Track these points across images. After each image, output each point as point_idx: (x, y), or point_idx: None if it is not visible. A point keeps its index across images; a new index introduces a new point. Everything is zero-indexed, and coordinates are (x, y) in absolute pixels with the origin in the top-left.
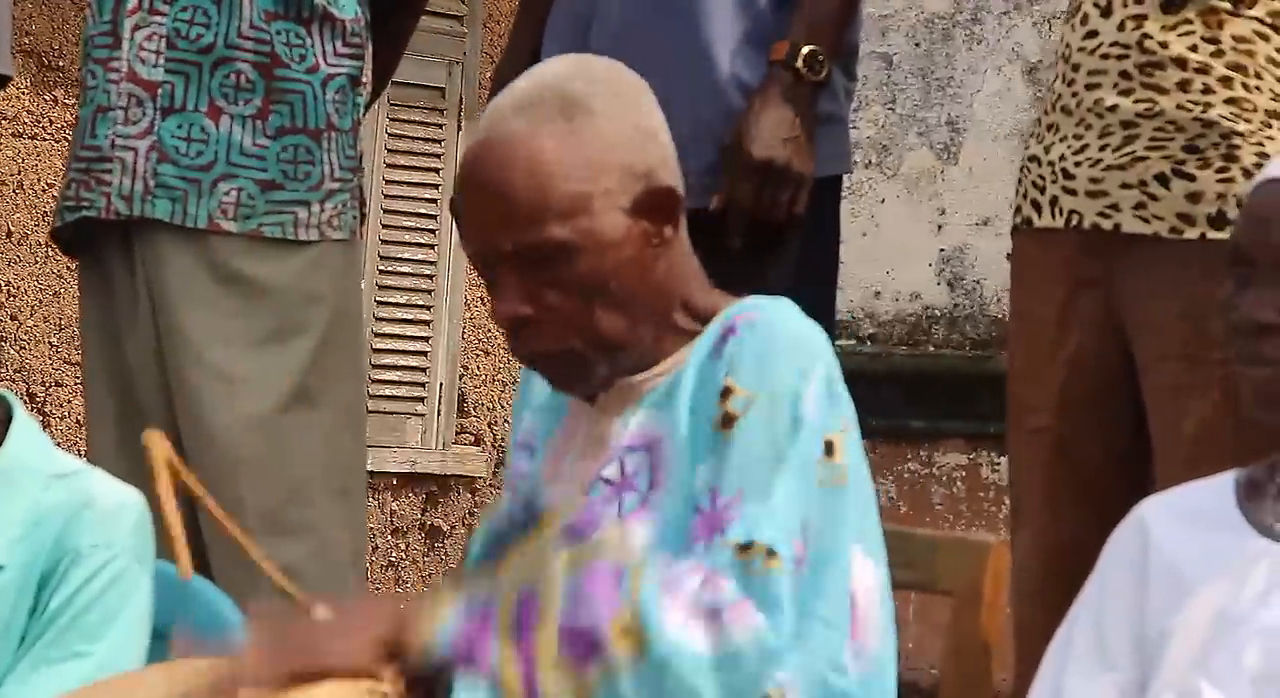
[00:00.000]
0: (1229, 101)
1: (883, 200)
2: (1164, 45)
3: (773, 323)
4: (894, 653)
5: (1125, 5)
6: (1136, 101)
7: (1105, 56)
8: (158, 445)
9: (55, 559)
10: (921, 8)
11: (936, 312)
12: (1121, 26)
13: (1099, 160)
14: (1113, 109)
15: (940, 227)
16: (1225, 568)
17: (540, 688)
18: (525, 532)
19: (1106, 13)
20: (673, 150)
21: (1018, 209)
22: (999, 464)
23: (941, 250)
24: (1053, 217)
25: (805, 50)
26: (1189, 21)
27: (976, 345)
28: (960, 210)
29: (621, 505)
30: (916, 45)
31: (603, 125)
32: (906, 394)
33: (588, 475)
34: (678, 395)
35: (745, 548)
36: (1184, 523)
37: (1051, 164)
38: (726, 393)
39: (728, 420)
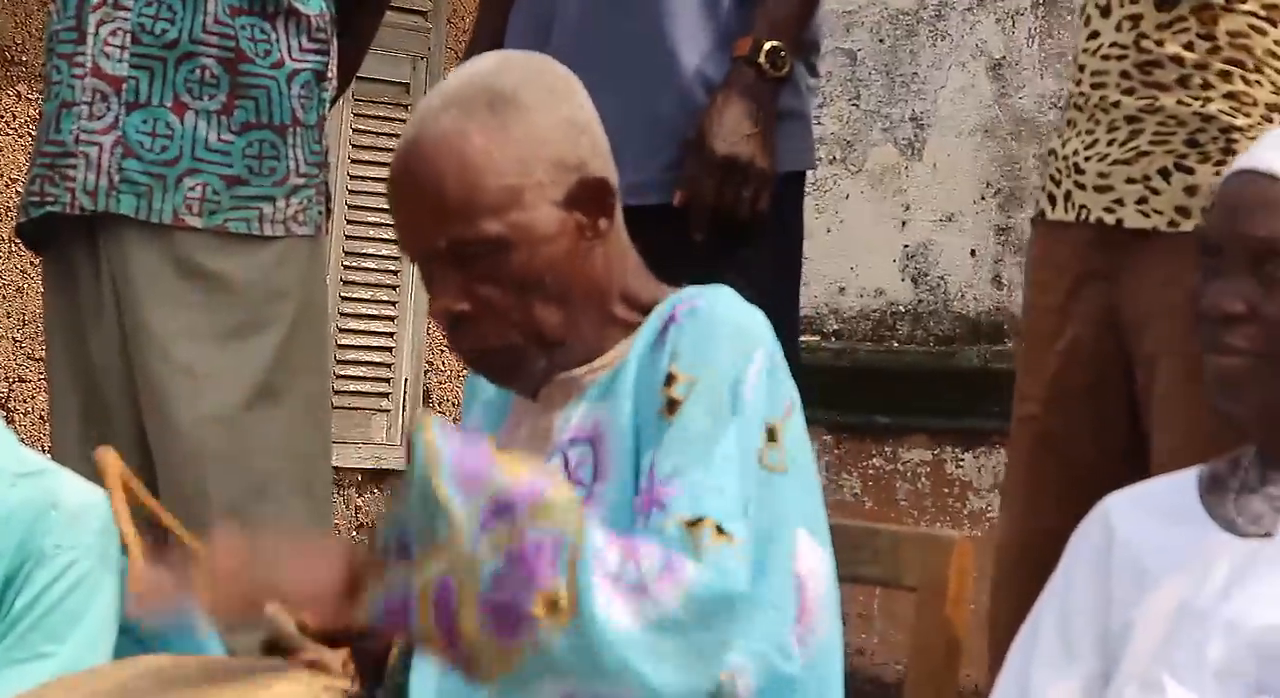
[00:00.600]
0: (1228, 96)
1: (847, 196)
2: (1160, 44)
3: (714, 309)
4: (840, 639)
5: (1122, 5)
6: (1139, 99)
7: (1106, 57)
8: (111, 463)
9: (20, 560)
10: (886, 4)
11: (900, 308)
12: (1119, 27)
13: (1106, 155)
14: (1116, 105)
15: (904, 223)
16: (1187, 562)
17: (471, 656)
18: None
19: (1105, 13)
20: (605, 143)
21: (1037, 202)
22: (963, 460)
23: (905, 246)
24: (1065, 210)
25: (767, 46)
26: (1183, 19)
27: (940, 342)
28: (924, 206)
29: None
30: (881, 41)
31: (532, 119)
32: (870, 390)
33: None
34: (619, 387)
35: (694, 523)
36: (1147, 517)
37: (1066, 158)
38: (670, 380)
39: (672, 406)
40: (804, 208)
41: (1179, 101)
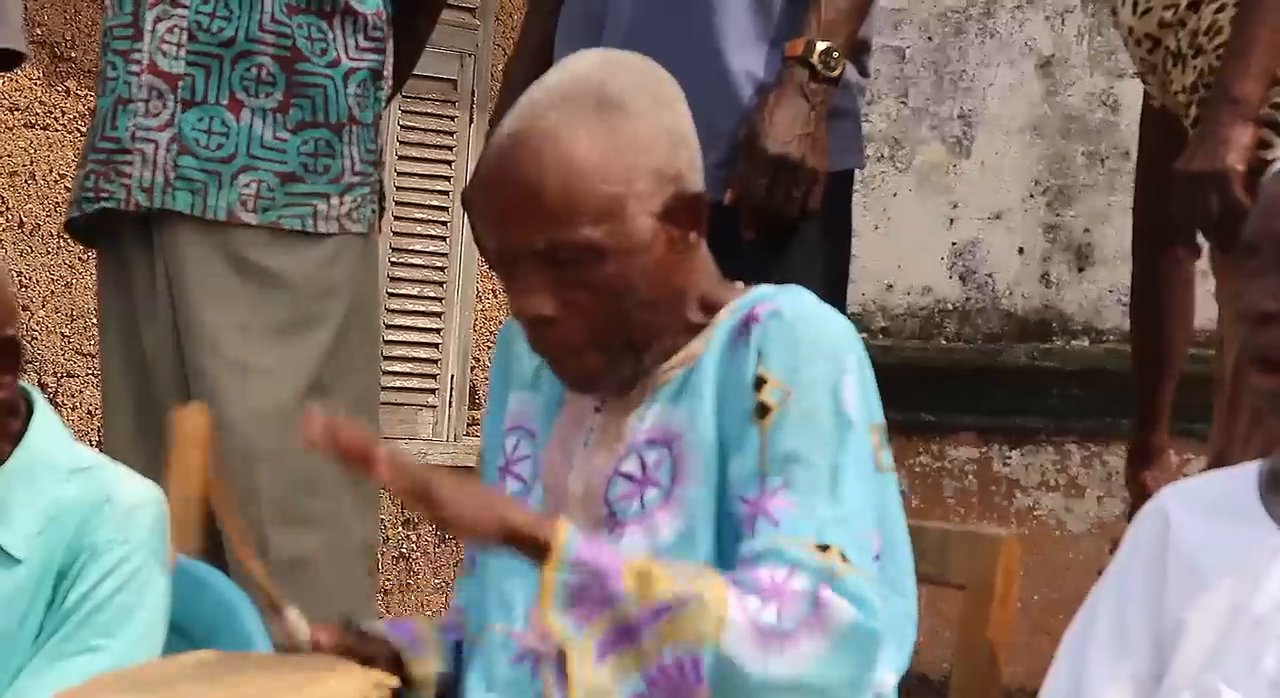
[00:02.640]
0: None
1: (895, 194)
2: None
3: (798, 311)
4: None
5: None
6: None
7: None
8: (195, 422)
9: (73, 554)
10: (935, 2)
11: (948, 305)
12: None
13: None
14: None
15: (952, 220)
16: (1243, 563)
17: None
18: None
19: None
20: (699, 155)
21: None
22: (1010, 458)
23: (953, 244)
24: None
25: (820, 47)
26: None
27: (988, 339)
28: (972, 204)
29: (644, 500)
30: (929, 39)
31: (637, 126)
32: (918, 388)
33: (603, 469)
34: (696, 388)
35: (824, 549)
36: (1205, 514)
37: None
38: (760, 383)
39: (763, 410)
40: (852, 206)
41: None
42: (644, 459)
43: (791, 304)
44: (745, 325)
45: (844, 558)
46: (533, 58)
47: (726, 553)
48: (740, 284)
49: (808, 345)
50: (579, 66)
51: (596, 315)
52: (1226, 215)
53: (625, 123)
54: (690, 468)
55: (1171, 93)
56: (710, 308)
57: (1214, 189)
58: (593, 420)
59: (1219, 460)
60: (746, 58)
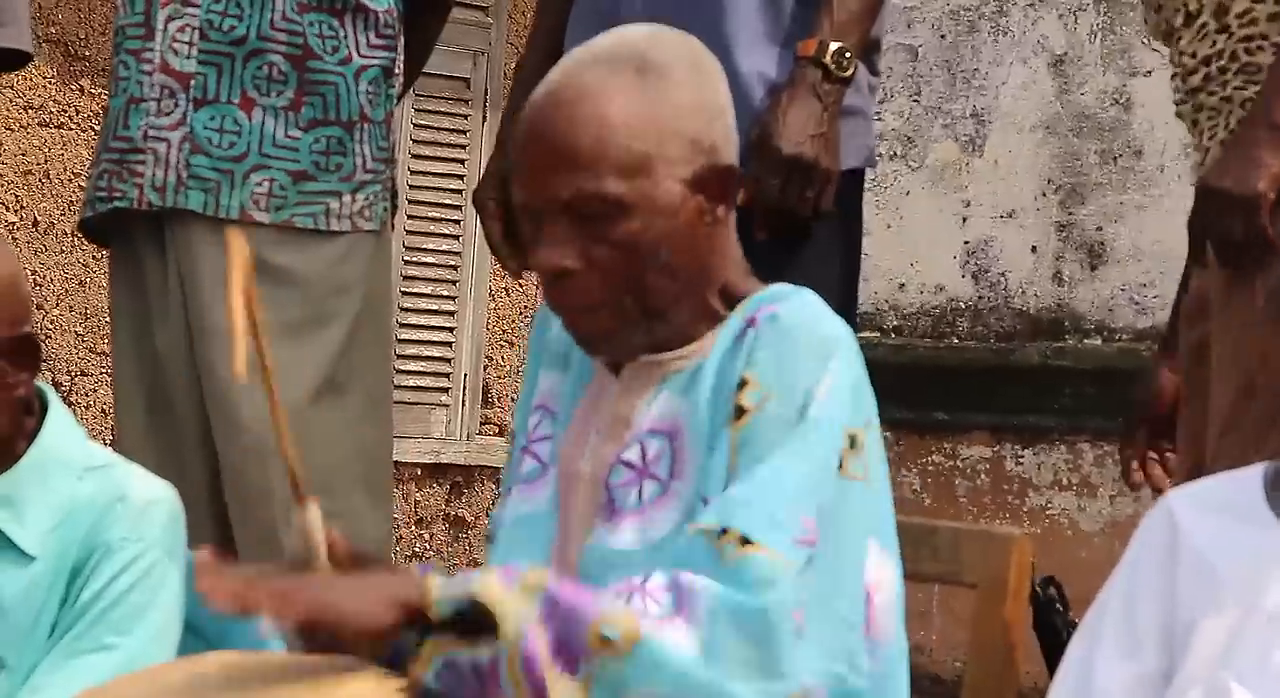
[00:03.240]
0: None
1: (907, 192)
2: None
3: (794, 316)
4: (905, 650)
5: None
6: None
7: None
8: (239, 245)
9: (87, 552)
10: (947, 0)
11: (961, 304)
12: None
13: None
14: None
15: (965, 219)
16: (1253, 563)
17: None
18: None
19: None
20: (736, 134)
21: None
22: (1023, 457)
23: (966, 243)
24: None
25: (833, 47)
26: None
27: (1001, 338)
28: (985, 203)
29: (642, 492)
30: (942, 37)
31: (675, 92)
32: (930, 386)
33: (608, 455)
34: (699, 384)
35: (721, 534)
36: (1212, 515)
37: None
38: (742, 385)
39: (739, 412)
40: (863, 204)
41: None
42: (645, 448)
43: (790, 308)
44: (745, 328)
45: (744, 541)
46: (544, 54)
47: None
48: (758, 282)
49: (794, 349)
50: (626, 33)
51: (615, 273)
52: (1249, 241)
53: (663, 87)
54: (687, 464)
55: (1178, 51)
56: (731, 300)
57: (1240, 212)
58: (606, 405)
59: (1195, 473)
60: (757, 58)
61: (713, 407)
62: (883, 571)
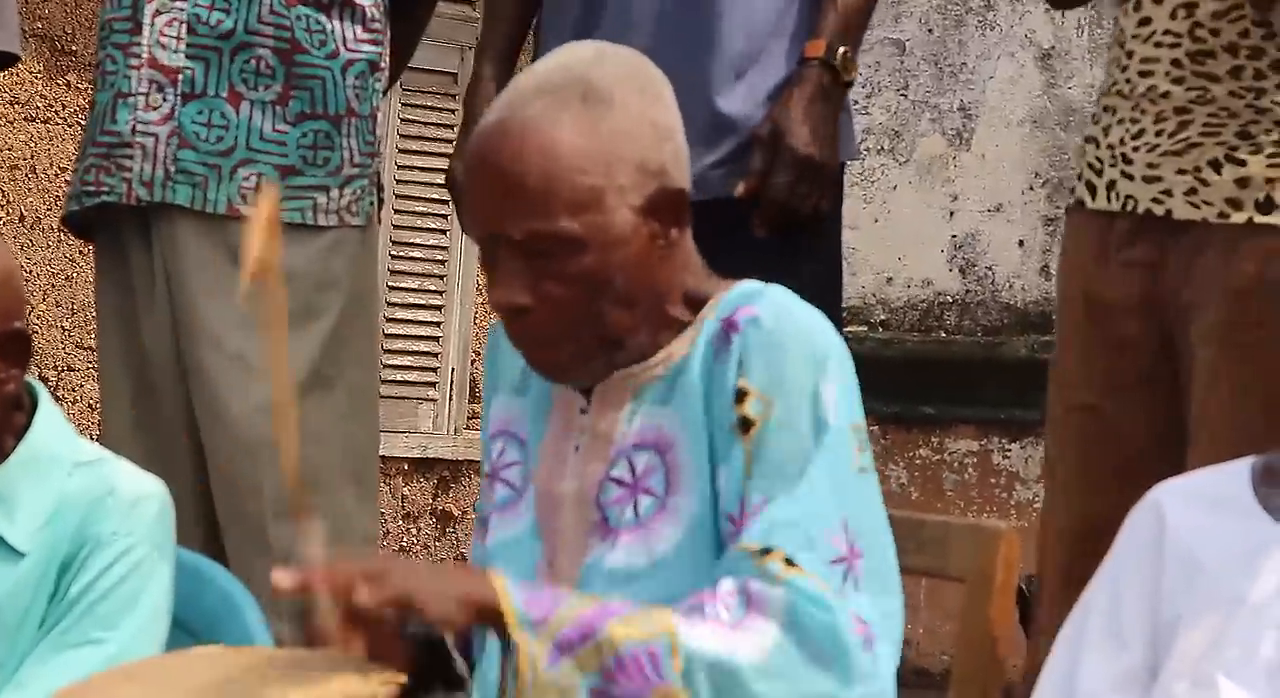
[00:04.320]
0: None
1: (895, 187)
2: (1215, 33)
3: (778, 317)
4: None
5: None
6: (1189, 89)
7: (1159, 44)
8: (269, 198)
9: (76, 546)
10: None
11: (948, 298)
12: (1174, 14)
13: (1155, 146)
14: (1165, 96)
15: (952, 213)
16: (1240, 555)
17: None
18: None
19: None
20: (685, 149)
21: (1073, 189)
22: (1010, 451)
23: (953, 237)
24: (1107, 200)
25: (841, 51)
26: (1240, 6)
27: (988, 332)
28: (972, 197)
29: (638, 508)
30: (929, 31)
31: (622, 119)
32: (918, 380)
33: (594, 474)
34: (683, 392)
35: (764, 553)
36: (1199, 508)
37: (1111, 147)
38: (742, 395)
39: (745, 424)
40: (849, 198)
41: (1231, 93)
42: (633, 463)
43: (771, 309)
44: (726, 333)
45: (789, 562)
46: (503, 30)
47: None
48: (719, 279)
49: (787, 352)
50: (569, 57)
51: (571, 308)
52: None
53: (610, 114)
54: (685, 478)
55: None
56: (695, 304)
57: None
58: (581, 422)
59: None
60: (754, 52)
61: (706, 417)
62: None
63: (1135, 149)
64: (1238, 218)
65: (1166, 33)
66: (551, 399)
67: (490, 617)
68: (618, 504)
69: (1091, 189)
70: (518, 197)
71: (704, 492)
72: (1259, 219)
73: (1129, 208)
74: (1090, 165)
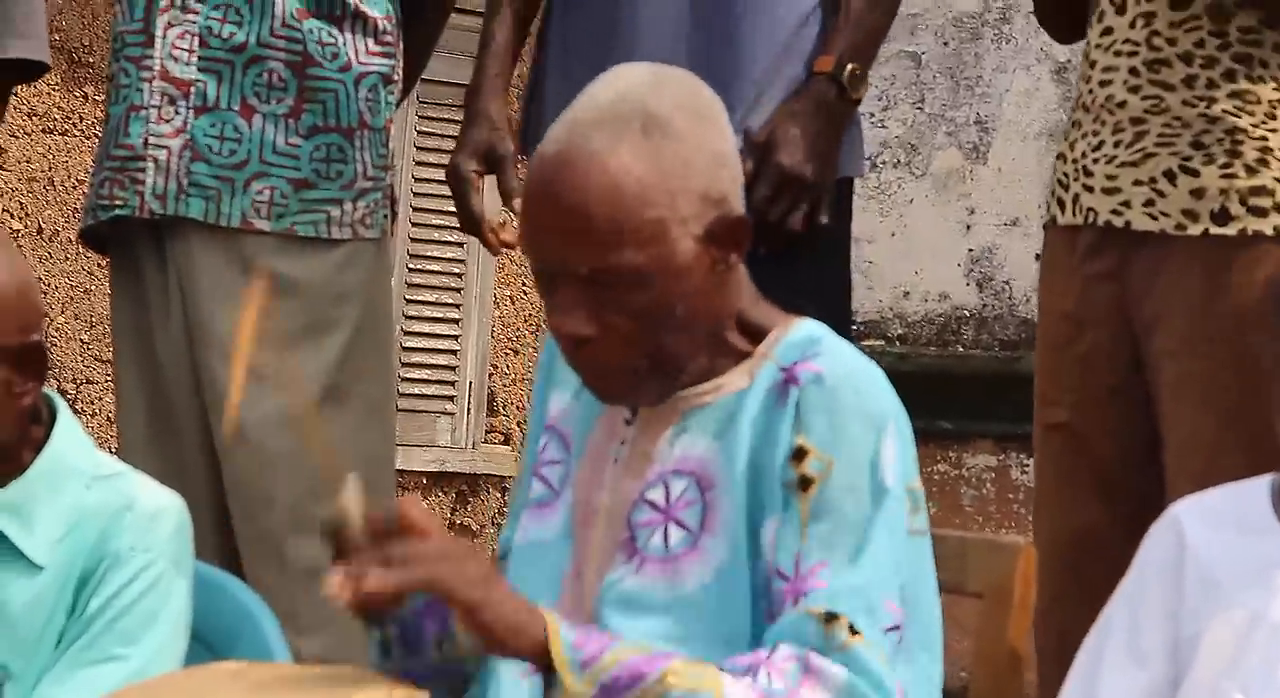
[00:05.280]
0: (1233, 96)
1: (911, 200)
2: (1171, 42)
3: (838, 375)
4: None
5: (1138, 3)
6: (1144, 98)
7: (1118, 53)
8: (259, 289)
9: (95, 561)
10: (950, 7)
11: (965, 312)
12: (1133, 23)
13: (1114, 157)
14: (1123, 105)
15: (969, 227)
16: (1259, 573)
17: None
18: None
19: (1121, 10)
20: (741, 175)
21: (1047, 206)
22: (1028, 466)
23: (970, 250)
24: (1073, 214)
25: (850, 67)
26: (1197, 17)
27: (1005, 346)
28: (989, 210)
29: (669, 539)
30: (945, 44)
31: (682, 149)
32: (935, 395)
33: (629, 492)
34: (734, 434)
35: (830, 619)
36: (1219, 526)
37: (1075, 161)
38: (801, 454)
39: (805, 483)
40: (853, 213)
41: (1184, 102)
42: (669, 488)
43: (833, 367)
44: (786, 384)
45: (852, 630)
46: (515, 17)
47: (761, 624)
48: (774, 309)
49: (848, 413)
50: (624, 83)
51: (633, 338)
52: None
53: (670, 144)
54: (721, 521)
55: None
56: (751, 333)
57: None
58: (624, 433)
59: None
60: (765, 67)
61: (755, 469)
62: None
63: (1095, 160)
64: (1194, 230)
65: (1126, 42)
66: (601, 407)
67: (538, 654)
68: (648, 527)
69: (1061, 205)
70: (583, 232)
71: (735, 540)
72: (1215, 231)
73: (1090, 220)
74: (1059, 181)
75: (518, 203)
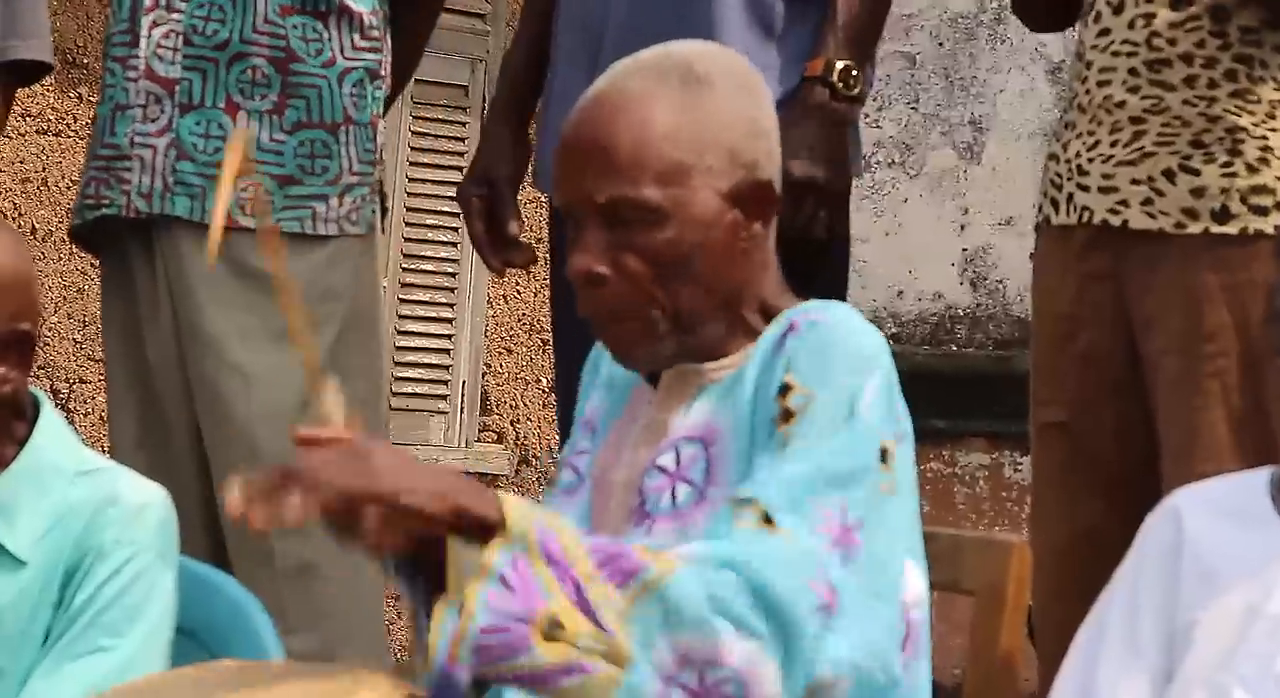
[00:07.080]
0: (1233, 95)
1: (905, 200)
2: (1172, 42)
3: (834, 323)
4: (929, 665)
5: (1136, 4)
6: (1144, 98)
7: (1116, 53)
8: (239, 136)
9: (79, 556)
10: (945, 7)
11: (959, 311)
12: (1132, 24)
13: (1110, 157)
14: (1121, 105)
15: (963, 226)
16: (1257, 566)
17: (592, 604)
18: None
19: (1118, 10)
20: (778, 153)
21: (1040, 207)
22: (1021, 464)
23: (964, 250)
24: (1068, 213)
25: (840, 66)
26: (1197, 17)
27: (999, 345)
28: (983, 210)
29: (675, 496)
30: (940, 45)
31: (719, 104)
32: (929, 394)
33: (643, 462)
34: (739, 391)
35: (742, 503)
36: (1217, 517)
37: (1069, 161)
38: (786, 389)
39: (786, 416)
40: (860, 212)
41: (1185, 102)
42: (679, 453)
43: (831, 317)
44: (783, 336)
45: (766, 518)
46: (528, 59)
47: None
48: (798, 301)
49: (836, 355)
50: (676, 46)
51: (646, 281)
52: None
53: (707, 98)
54: (725, 471)
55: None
56: (770, 316)
57: None
58: (647, 413)
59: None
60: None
61: (753, 411)
62: (917, 590)
63: (1091, 160)
64: (1194, 228)
65: (1125, 42)
66: (630, 392)
67: (474, 522)
68: (657, 491)
69: (1055, 205)
70: (605, 161)
71: (738, 483)
72: (1215, 229)
73: (1085, 219)
74: (1052, 182)
75: (513, 226)
